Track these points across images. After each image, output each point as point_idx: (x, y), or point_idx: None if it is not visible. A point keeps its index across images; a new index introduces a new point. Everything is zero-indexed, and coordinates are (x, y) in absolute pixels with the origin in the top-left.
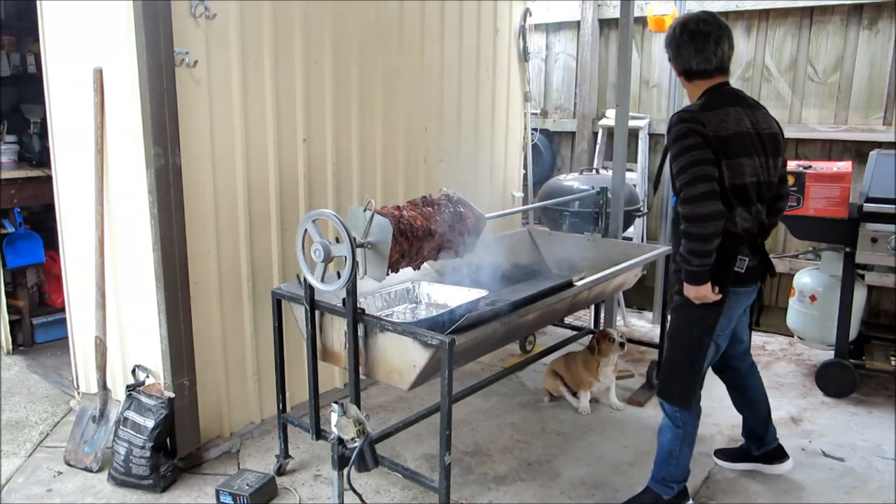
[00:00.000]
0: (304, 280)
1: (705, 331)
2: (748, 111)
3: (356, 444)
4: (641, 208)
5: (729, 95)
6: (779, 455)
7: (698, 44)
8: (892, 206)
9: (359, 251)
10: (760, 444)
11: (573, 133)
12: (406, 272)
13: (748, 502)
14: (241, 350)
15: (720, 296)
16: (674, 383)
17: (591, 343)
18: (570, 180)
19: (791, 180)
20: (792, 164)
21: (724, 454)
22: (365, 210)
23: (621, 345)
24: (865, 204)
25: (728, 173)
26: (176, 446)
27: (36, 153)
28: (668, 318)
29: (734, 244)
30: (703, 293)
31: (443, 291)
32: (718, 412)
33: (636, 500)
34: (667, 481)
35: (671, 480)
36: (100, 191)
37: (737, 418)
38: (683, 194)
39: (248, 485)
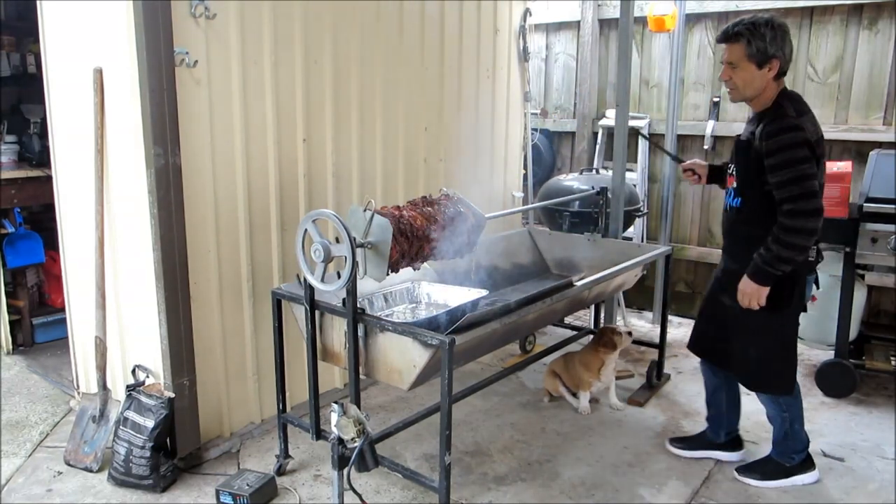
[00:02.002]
0: (304, 280)
1: (794, 324)
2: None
3: (356, 444)
4: (641, 208)
5: (801, 98)
6: (738, 443)
7: (789, 41)
8: (892, 206)
9: (359, 251)
10: (731, 431)
11: (573, 133)
12: (406, 272)
13: (748, 502)
14: (241, 350)
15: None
16: (772, 376)
17: (597, 338)
18: (570, 180)
19: None
20: None
21: (680, 442)
22: (365, 210)
23: (629, 333)
24: (865, 204)
25: (819, 173)
26: (176, 446)
27: (36, 153)
28: (742, 315)
29: None
30: (762, 294)
31: (443, 291)
32: None
33: (759, 464)
34: (787, 454)
35: (792, 452)
36: (100, 191)
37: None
38: (797, 206)
39: (248, 485)
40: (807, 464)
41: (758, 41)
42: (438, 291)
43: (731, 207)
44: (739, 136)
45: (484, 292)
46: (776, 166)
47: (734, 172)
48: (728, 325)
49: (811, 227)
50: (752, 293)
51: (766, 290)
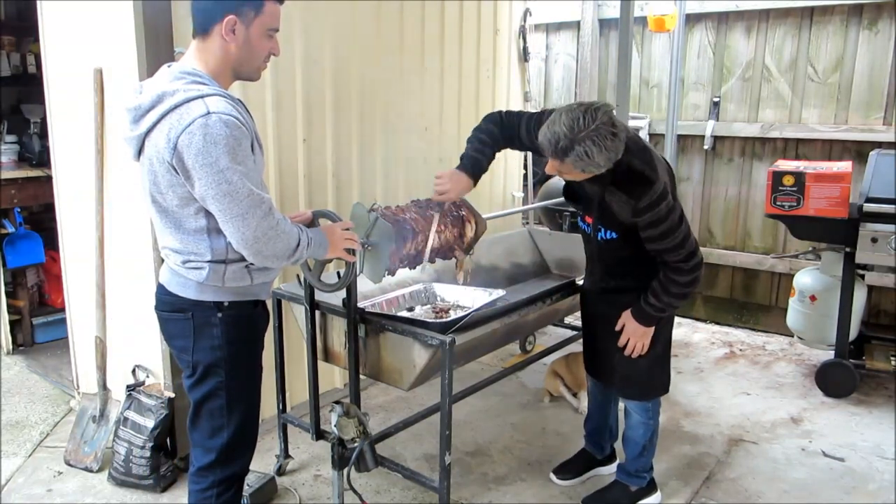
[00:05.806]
0: (304, 280)
1: (672, 319)
2: None
3: (356, 444)
4: None
5: (636, 137)
6: (614, 455)
7: (621, 136)
8: (892, 206)
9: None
10: (613, 443)
11: None
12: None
13: (748, 502)
14: None
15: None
16: (658, 380)
17: None
18: None
19: (790, 180)
20: (792, 165)
21: (563, 471)
22: (370, 211)
23: None
24: (865, 204)
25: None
26: (176, 446)
27: (36, 153)
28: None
29: None
30: (650, 333)
31: (457, 292)
32: (718, 412)
33: (603, 494)
34: (641, 472)
35: (643, 471)
36: (100, 191)
37: (737, 418)
38: (687, 265)
39: (248, 485)
40: (651, 484)
41: (592, 168)
42: (451, 292)
43: (603, 239)
44: (579, 184)
45: (501, 292)
46: (655, 237)
47: (589, 212)
48: (610, 340)
49: (699, 276)
50: (641, 335)
51: (652, 329)
